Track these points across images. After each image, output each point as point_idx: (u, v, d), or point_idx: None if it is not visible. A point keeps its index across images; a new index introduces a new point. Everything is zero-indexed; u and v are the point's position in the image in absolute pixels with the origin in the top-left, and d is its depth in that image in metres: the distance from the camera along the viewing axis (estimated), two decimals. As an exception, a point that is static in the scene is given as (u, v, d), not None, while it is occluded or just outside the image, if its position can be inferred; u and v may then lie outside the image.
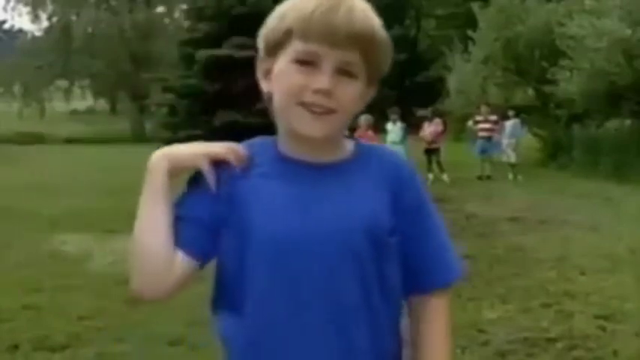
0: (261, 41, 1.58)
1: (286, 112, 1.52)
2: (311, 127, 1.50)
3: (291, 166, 1.57)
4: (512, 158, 17.92)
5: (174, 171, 1.54)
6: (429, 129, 17.92)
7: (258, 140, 1.65)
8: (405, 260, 1.61)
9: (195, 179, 1.59)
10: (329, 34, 1.46)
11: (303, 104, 1.48)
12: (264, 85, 1.58)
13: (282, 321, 1.51)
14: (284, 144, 1.59)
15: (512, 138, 18.04)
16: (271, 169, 1.57)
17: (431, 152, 17.71)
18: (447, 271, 1.68)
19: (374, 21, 1.53)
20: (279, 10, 1.54)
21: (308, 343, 1.51)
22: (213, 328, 1.64)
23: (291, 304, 1.50)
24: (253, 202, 1.53)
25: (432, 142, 17.72)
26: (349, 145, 1.64)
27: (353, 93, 1.52)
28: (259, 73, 1.60)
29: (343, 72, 1.49)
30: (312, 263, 1.50)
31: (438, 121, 18.42)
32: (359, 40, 1.48)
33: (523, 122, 18.72)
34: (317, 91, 1.47)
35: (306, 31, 1.47)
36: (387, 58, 1.60)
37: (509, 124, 18.22)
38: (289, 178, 1.55)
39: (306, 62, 1.48)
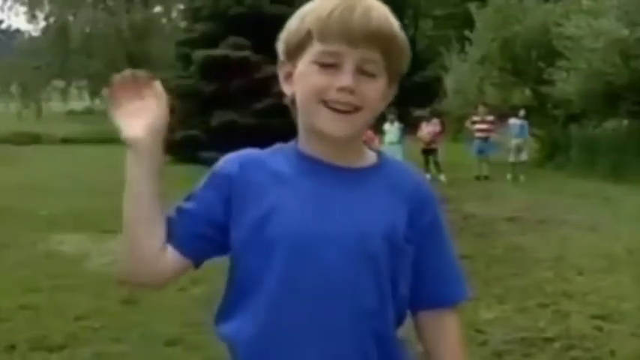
0: (281, 45, 1.59)
1: (310, 112, 1.53)
2: (335, 125, 1.50)
3: (312, 165, 1.57)
4: (523, 157, 17.89)
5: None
6: (427, 129, 17.92)
7: (279, 145, 1.65)
8: (416, 275, 1.63)
9: (214, 174, 1.62)
10: (347, 33, 1.48)
11: (327, 103, 1.49)
12: (286, 89, 1.59)
13: (299, 324, 1.49)
14: (306, 145, 1.59)
15: (521, 138, 17.98)
16: (292, 167, 1.57)
17: (428, 152, 17.72)
18: (458, 288, 1.73)
19: (392, 20, 1.56)
20: (298, 14, 1.56)
21: (323, 349, 1.50)
22: (214, 329, 1.62)
23: (310, 307, 1.49)
24: (272, 200, 1.52)
25: (430, 142, 17.73)
26: (372, 155, 1.65)
27: (375, 91, 1.53)
28: (281, 77, 1.61)
29: (364, 71, 1.51)
30: (332, 265, 1.49)
31: (435, 121, 18.44)
32: (378, 39, 1.50)
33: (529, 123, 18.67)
34: (341, 89, 1.48)
35: (325, 32, 1.49)
36: (406, 57, 1.61)
37: (518, 124, 18.13)
38: (310, 178, 1.55)
39: (327, 64, 1.50)
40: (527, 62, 21.92)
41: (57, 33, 46.18)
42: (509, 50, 22.26)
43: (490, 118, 18.38)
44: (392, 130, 16.49)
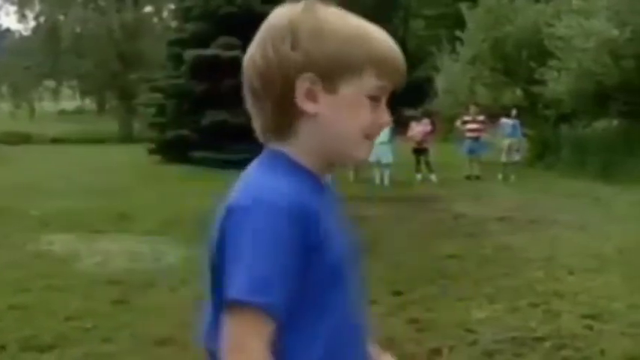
0: (312, 60, 1.46)
1: (350, 144, 1.51)
2: (366, 153, 1.54)
3: (319, 185, 1.54)
4: (516, 157, 17.92)
5: None
6: (417, 128, 17.96)
7: (285, 161, 1.51)
8: None
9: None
10: (401, 76, 1.53)
11: (370, 136, 1.52)
12: (309, 106, 1.47)
13: (353, 327, 1.56)
14: (311, 164, 1.52)
15: (513, 138, 18.01)
16: (311, 189, 1.49)
17: (420, 152, 17.76)
18: None
19: None
20: (346, 34, 1.47)
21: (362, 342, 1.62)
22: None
23: (354, 313, 1.56)
24: (322, 223, 1.46)
25: (421, 142, 17.76)
26: None
27: None
28: (299, 92, 1.46)
29: None
30: (354, 277, 1.56)
31: (426, 121, 18.49)
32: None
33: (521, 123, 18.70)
34: (383, 125, 1.53)
35: (386, 71, 1.49)
36: None
37: (510, 123, 18.16)
38: (323, 196, 1.53)
39: (375, 98, 1.50)
40: (519, 62, 21.99)
41: (47, 33, 45.99)
42: (500, 50, 22.33)
43: (481, 117, 18.44)
44: (382, 129, 16.49)
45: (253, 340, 1.37)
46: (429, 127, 18.21)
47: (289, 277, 1.39)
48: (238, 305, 1.36)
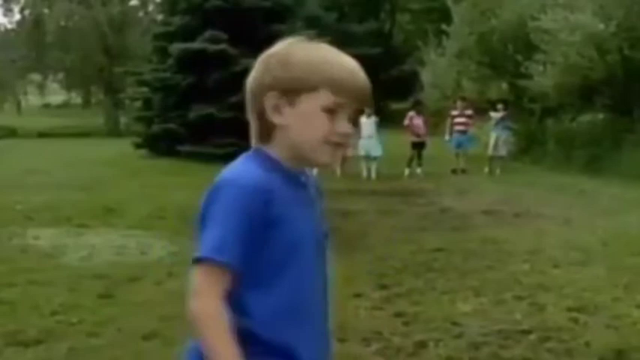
0: (279, 80, 1.83)
1: (312, 149, 1.85)
2: (332, 158, 1.88)
3: (292, 178, 1.90)
4: (503, 151, 17.92)
5: None
6: (417, 121, 17.89)
7: (262, 155, 1.89)
8: None
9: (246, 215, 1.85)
10: (357, 94, 1.85)
11: (330, 143, 1.84)
12: (277, 118, 1.84)
13: (307, 296, 1.89)
14: (281, 159, 1.88)
15: (504, 131, 18.00)
16: (282, 180, 1.86)
17: (419, 146, 17.67)
18: None
19: None
20: (306, 60, 1.83)
21: (319, 314, 1.94)
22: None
23: (311, 286, 1.90)
24: (287, 207, 1.83)
25: (421, 135, 17.71)
26: None
27: None
28: (269, 107, 1.84)
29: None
30: (316, 258, 1.92)
31: (424, 115, 18.49)
32: (368, 97, 1.90)
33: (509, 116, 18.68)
34: (343, 135, 1.85)
35: (341, 90, 1.81)
36: None
37: (499, 117, 18.13)
38: (294, 188, 1.89)
39: (331, 110, 1.82)
40: (504, 56, 22.00)
41: (32, 26, 45.70)
42: (486, 44, 22.35)
43: (469, 112, 18.47)
44: (368, 123, 16.52)
45: (209, 289, 1.76)
46: (426, 124, 18.19)
47: (244, 241, 1.76)
48: (199, 262, 1.77)
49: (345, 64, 1.85)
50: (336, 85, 1.80)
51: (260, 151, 1.89)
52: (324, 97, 1.81)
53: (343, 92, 1.81)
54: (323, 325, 1.95)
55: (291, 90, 1.82)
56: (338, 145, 1.86)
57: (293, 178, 1.89)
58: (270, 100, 1.83)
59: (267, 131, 1.87)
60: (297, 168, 1.90)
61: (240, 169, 1.84)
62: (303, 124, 1.83)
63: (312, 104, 1.82)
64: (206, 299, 1.76)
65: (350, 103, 1.84)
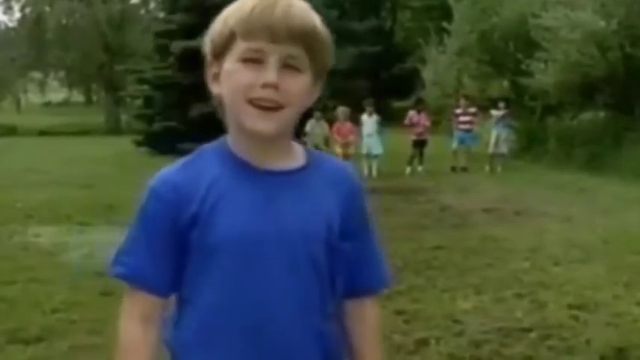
0: (207, 46, 1.62)
1: (236, 111, 1.56)
2: (261, 123, 1.53)
3: (247, 168, 1.60)
4: (504, 149, 17.89)
5: None
6: (419, 120, 17.86)
7: (208, 148, 1.67)
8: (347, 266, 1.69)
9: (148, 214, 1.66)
10: (269, 30, 1.51)
11: (252, 101, 1.53)
12: (214, 89, 1.62)
13: (239, 327, 1.57)
14: (237, 146, 1.62)
15: (504, 129, 17.97)
16: (226, 172, 1.60)
17: (420, 144, 17.65)
18: (382, 278, 1.78)
19: (313, 16, 1.58)
20: (221, 15, 1.60)
21: (263, 345, 1.58)
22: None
23: (251, 310, 1.56)
24: (213, 205, 1.56)
25: (422, 133, 17.69)
26: (300, 151, 1.68)
27: (300, 86, 1.56)
28: (208, 78, 1.63)
29: (288, 66, 1.54)
30: (273, 265, 1.56)
31: (424, 114, 18.46)
32: (300, 34, 1.53)
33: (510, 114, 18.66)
34: (265, 86, 1.51)
35: (248, 30, 1.53)
36: (330, 53, 1.63)
37: (500, 115, 18.10)
38: (246, 181, 1.59)
39: (251, 60, 1.53)
40: (505, 54, 21.95)
41: (33, 24, 45.70)
42: (487, 42, 22.32)
43: (473, 110, 18.44)
44: (369, 121, 16.53)
45: (130, 310, 1.64)
46: (428, 122, 18.15)
47: (149, 246, 1.59)
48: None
49: (249, 3, 1.55)
50: (242, 29, 1.53)
51: (216, 141, 1.67)
52: (238, 47, 1.54)
53: (252, 34, 1.52)
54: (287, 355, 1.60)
55: (215, 52, 1.60)
56: (265, 107, 1.53)
57: (242, 169, 1.59)
58: (211, 70, 1.63)
59: (222, 113, 1.65)
60: (252, 151, 1.60)
61: (165, 169, 1.64)
62: (228, 85, 1.57)
63: (231, 59, 1.56)
64: (125, 322, 1.65)
65: (269, 46, 1.51)
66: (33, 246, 8.46)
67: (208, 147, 1.66)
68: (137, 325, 1.60)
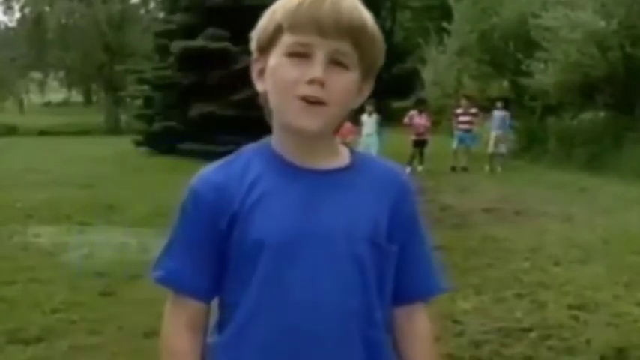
0: (253, 42, 1.58)
1: (282, 107, 1.51)
2: (306, 119, 1.48)
3: (292, 169, 1.56)
4: (503, 149, 17.91)
5: None
6: (419, 121, 17.87)
7: (249, 147, 1.62)
8: (396, 270, 1.62)
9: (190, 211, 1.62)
10: (317, 24, 1.46)
11: (299, 97, 1.47)
12: (259, 85, 1.57)
13: (283, 329, 1.52)
14: (280, 146, 1.58)
15: (501, 130, 18.00)
16: (270, 172, 1.55)
17: (420, 144, 17.66)
18: (434, 282, 1.71)
19: (363, 12, 1.52)
20: (268, 10, 1.54)
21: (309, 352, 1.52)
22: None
23: (294, 311, 1.51)
24: (254, 204, 1.52)
25: (422, 133, 17.70)
26: (345, 152, 1.63)
27: (347, 84, 1.51)
28: (254, 74, 1.59)
29: (336, 62, 1.49)
30: (314, 265, 1.51)
31: (425, 114, 18.47)
32: (348, 30, 1.48)
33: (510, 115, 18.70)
34: (311, 81, 1.46)
35: (294, 24, 1.47)
36: (380, 50, 1.58)
37: (499, 115, 18.13)
38: (291, 181, 1.54)
39: (298, 54, 1.48)
40: (505, 54, 21.95)
41: (33, 24, 45.70)
42: (487, 42, 22.32)
43: (473, 110, 18.45)
44: (369, 121, 16.53)
45: (174, 320, 1.58)
46: (429, 123, 18.16)
47: (189, 249, 1.56)
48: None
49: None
50: (289, 22, 1.48)
51: (258, 142, 1.62)
52: (284, 41, 1.49)
53: (300, 27, 1.47)
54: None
55: (261, 47, 1.56)
56: (312, 102, 1.47)
57: (285, 168, 1.55)
58: (256, 66, 1.59)
59: (268, 111, 1.59)
60: (296, 150, 1.56)
61: (205, 168, 1.61)
62: (273, 80, 1.52)
63: (277, 53, 1.51)
64: (168, 331, 1.60)
65: (317, 40, 1.47)
66: (33, 246, 8.46)
67: (249, 147, 1.61)
68: (184, 334, 1.56)
